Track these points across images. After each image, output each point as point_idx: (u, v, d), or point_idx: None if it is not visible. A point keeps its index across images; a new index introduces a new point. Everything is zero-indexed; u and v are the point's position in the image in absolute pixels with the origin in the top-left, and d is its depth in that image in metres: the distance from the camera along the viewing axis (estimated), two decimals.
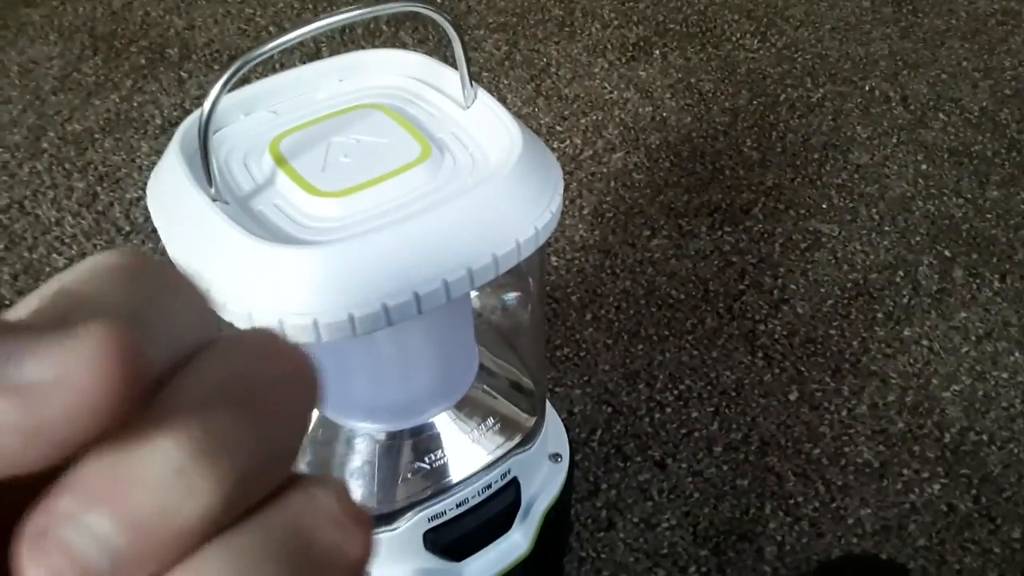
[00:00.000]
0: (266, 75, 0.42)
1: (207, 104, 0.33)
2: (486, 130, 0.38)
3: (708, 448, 0.64)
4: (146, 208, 0.39)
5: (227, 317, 0.33)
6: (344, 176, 0.36)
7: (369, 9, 0.36)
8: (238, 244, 0.32)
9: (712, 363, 0.70)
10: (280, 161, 0.37)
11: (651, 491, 0.62)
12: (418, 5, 0.37)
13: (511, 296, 0.48)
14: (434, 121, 0.39)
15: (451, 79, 0.40)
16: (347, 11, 0.36)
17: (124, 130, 0.96)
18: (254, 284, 0.32)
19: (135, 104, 0.99)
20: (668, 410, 0.67)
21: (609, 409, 0.67)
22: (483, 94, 0.39)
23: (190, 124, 0.36)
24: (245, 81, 0.41)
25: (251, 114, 0.40)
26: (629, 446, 0.64)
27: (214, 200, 0.34)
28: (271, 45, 0.33)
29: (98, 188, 0.89)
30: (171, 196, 0.36)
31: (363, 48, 1.11)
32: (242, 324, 0.33)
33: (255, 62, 0.33)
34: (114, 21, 1.13)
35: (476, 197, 0.34)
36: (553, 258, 0.80)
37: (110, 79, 1.03)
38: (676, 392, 0.68)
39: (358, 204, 0.35)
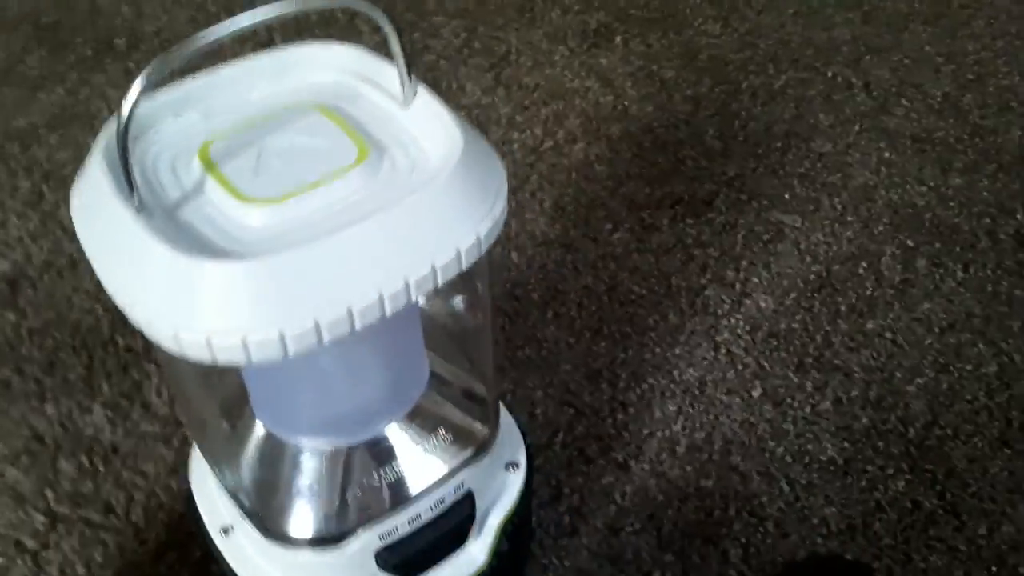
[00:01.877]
0: (200, 71, 0.40)
1: (125, 109, 0.31)
2: (426, 129, 0.36)
3: (671, 449, 0.63)
4: None
5: (152, 336, 0.31)
6: (277, 182, 0.34)
7: (299, 5, 0.34)
8: (161, 259, 0.30)
9: (675, 360, 0.69)
10: (209, 166, 0.35)
11: (614, 495, 0.60)
12: (350, 0, 0.35)
13: (460, 299, 0.47)
14: (372, 121, 0.37)
15: (391, 74, 0.38)
16: (274, 7, 0.34)
17: (70, 125, 0.92)
18: (179, 301, 0.30)
19: (81, 98, 0.96)
20: (631, 410, 0.65)
21: (571, 410, 0.65)
22: (423, 91, 0.37)
23: (111, 130, 0.34)
24: (179, 78, 0.39)
25: (181, 115, 0.38)
26: (592, 448, 0.63)
27: (138, 211, 0.32)
28: (190, 47, 0.31)
29: (44, 187, 0.86)
30: (93, 207, 0.34)
31: (317, 35, 1.08)
32: (168, 344, 0.31)
33: (173, 64, 0.31)
34: (59, 11, 1.09)
35: (414, 204, 0.32)
36: (514, 254, 0.78)
37: (55, 71, 1.00)
38: (639, 391, 0.67)
39: (290, 212, 0.33)
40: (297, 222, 0.33)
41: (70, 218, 0.34)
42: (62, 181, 0.86)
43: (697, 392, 0.67)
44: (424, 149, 0.36)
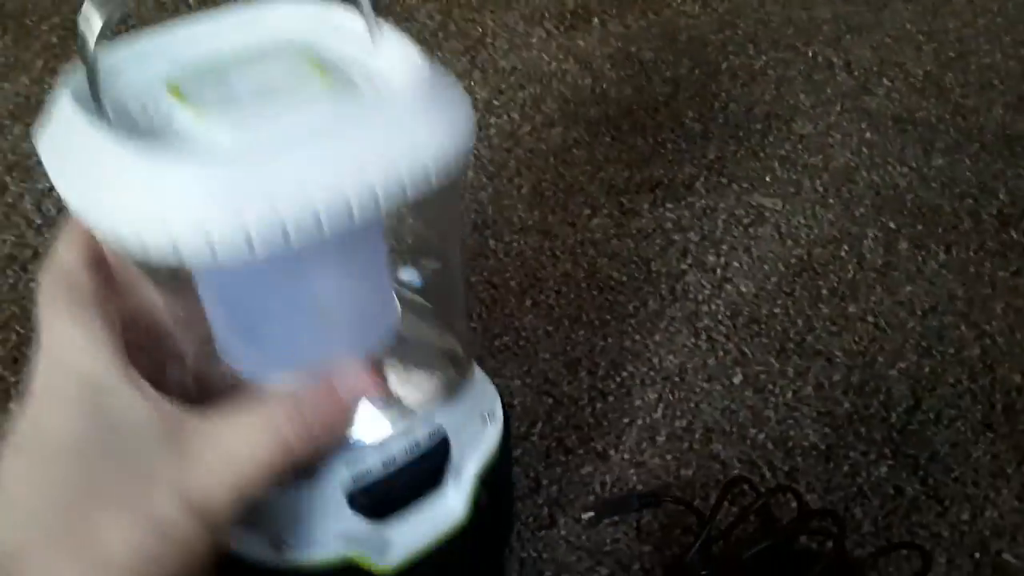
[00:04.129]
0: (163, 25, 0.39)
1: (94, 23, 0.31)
2: (393, 62, 0.36)
3: (651, 438, 0.62)
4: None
5: (119, 242, 0.30)
6: (246, 109, 0.34)
7: None
8: (127, 163, 0.30)
9: (655, 347, 0.68)
10: (179, 96, 0.35)
11: (594, 485, 0.59)
12: None
13: (431, 261, 0.47)
14: (341, 60, 0.38)
15: (359, 22, 0.38)
16: None
17: (35, 115, 0.90)
18: (144, 204, 0.30)
19: (46, 86, 0.94)
20: (610, 398, 0.64)
21: (550, 400, 0.64)
22: (389, 29, 0.37)
23: (78, 69, 0.35)
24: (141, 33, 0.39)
25: (146, 64, 0.38)
26: (571, 438, 0.62)
27: (109, 126, 0.32)
28: None
29: (7, 178, 0.84)
30: (61, 133, 0.35)
31: None
32: (134, 247, 0.30)
33: None
34: None
35: (382, 120, 0.32)
36: (492, 241, 0.77)
37: (20, 60, 0.97)
38: (618, 379, 0.66)
39: (260, 131, 0.33)
40: (266, 140, 0.32)
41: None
42: (26, 172, 0.84)
43: (677, 379, 0.66)
44: (391, 80, 0.36)
